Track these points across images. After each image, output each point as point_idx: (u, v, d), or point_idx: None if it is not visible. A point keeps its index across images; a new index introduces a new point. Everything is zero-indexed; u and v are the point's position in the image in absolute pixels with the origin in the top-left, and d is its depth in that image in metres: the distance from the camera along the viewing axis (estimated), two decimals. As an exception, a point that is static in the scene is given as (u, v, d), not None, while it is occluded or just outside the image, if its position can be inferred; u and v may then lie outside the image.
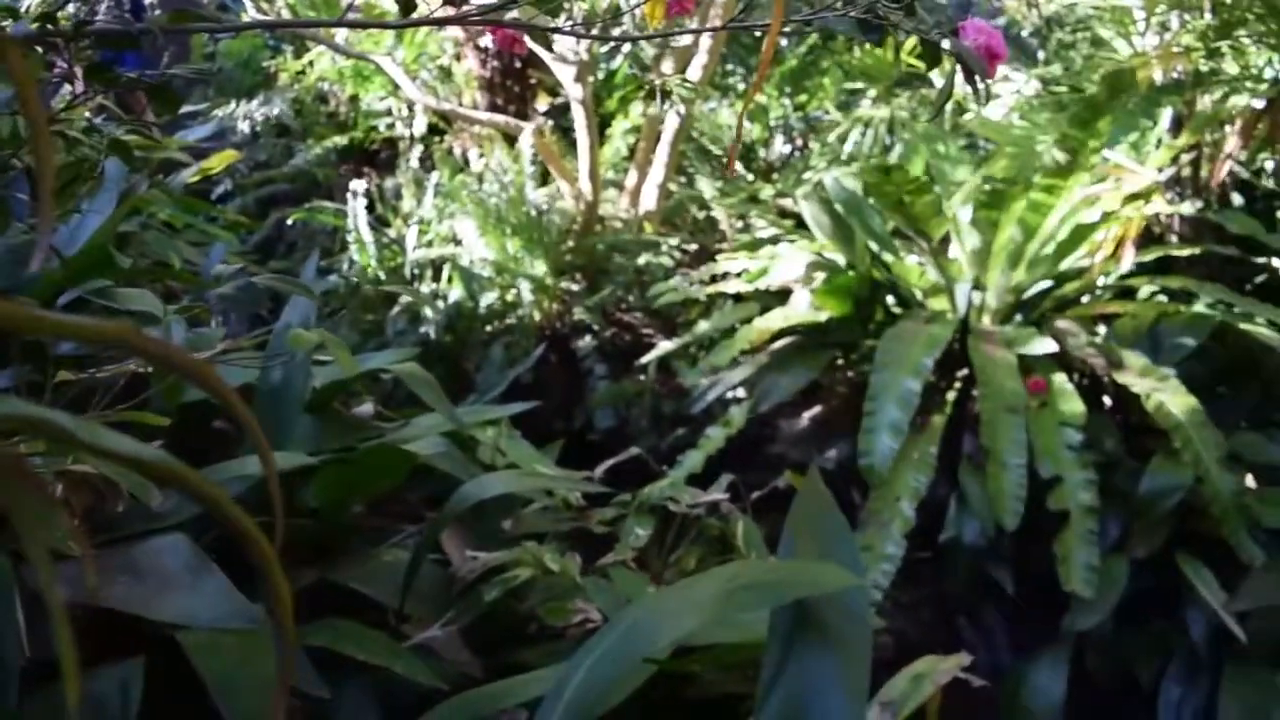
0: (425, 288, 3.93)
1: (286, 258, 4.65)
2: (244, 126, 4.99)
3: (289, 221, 4.47)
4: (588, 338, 3.65)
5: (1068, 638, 2.65)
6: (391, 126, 5.05)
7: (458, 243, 4.08)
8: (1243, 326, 2.93)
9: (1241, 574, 2.63)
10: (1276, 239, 3.33)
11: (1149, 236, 3.49)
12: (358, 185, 4.00)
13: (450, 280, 3.94)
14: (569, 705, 1.08)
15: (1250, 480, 2.74)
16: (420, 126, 4.91)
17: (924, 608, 2.76)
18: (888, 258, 3.25)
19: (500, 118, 4.18)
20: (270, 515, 0.58)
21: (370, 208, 4.47)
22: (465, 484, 1.68)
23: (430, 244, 4.13)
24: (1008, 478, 2.60)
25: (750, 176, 4.52)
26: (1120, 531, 2.72)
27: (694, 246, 3.98)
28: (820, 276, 3.14)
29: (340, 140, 4.90)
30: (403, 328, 3.80)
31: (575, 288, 3.89)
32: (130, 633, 1.20)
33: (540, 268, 3.89)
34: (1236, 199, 3.67)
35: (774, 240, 3.54)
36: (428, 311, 3.75)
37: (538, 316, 3.80)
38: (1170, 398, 2.73)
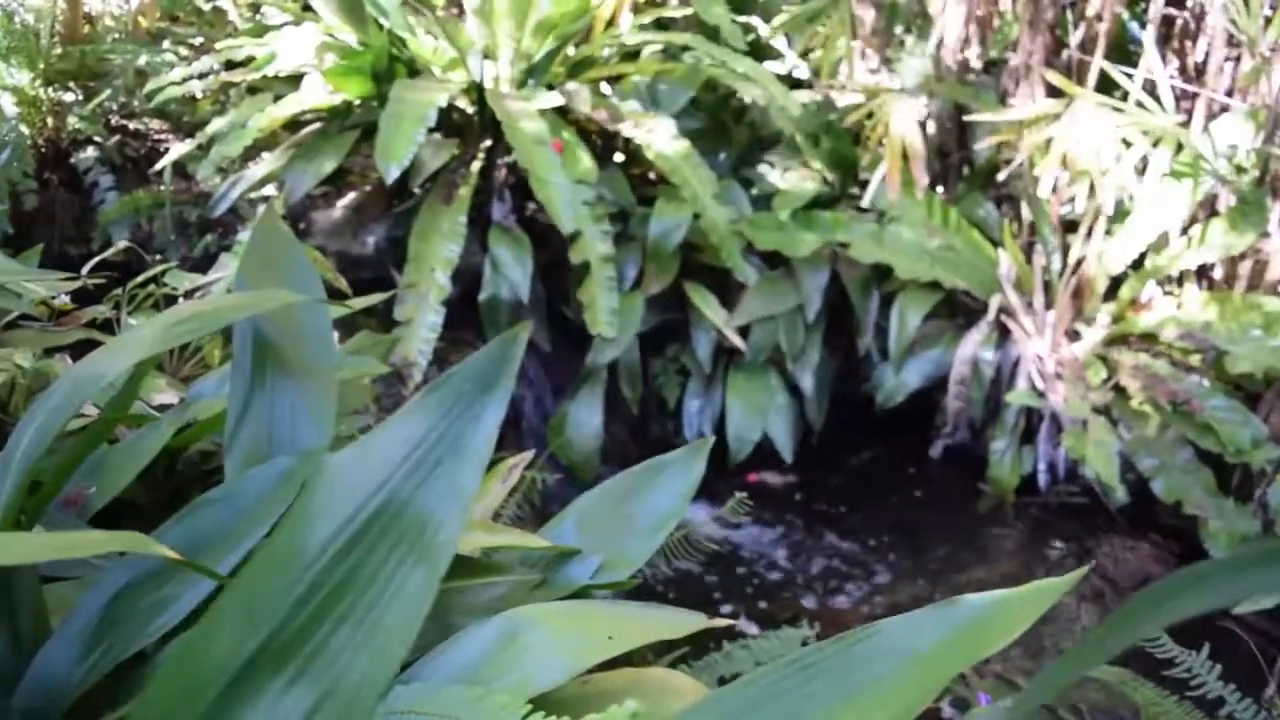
0: None
1: None
2: None
3: None
4: (90, 150, 3.32)
5: (599, 374, 2.91)
6: None
7: (-92, 55, 3.50)
8: (729, 80, 3.20)
9: (740, 294, 2.99)
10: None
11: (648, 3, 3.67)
12: None
13: (-95, 100, 3.39)
14: (16, 471, 1.04)
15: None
16: None
17: (468, 368, 2.89)
18: (402, 34, 3.19)
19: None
20: None
21: None
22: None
23: None
24: (554, 192, 2.73)
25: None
26: (638, 272, 2.97)
27: (200, 40, 3.68)
28: (331, 58, 3.04)
29: None
30: None
31: (70, 97, 3.49)
32: None
33: (23, 77, 3.44)
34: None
35: (283, 26, 3.35)
36: (-124, 139, 3.22)
37: (28, 133, 3.39)
38: (668, 144, 2.96)
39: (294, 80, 3.15)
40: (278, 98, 3.08)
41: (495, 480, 1.40)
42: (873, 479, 3.12)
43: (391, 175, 2.61)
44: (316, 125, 3.13)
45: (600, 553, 1.24)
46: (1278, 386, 2.81)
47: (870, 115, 3.11)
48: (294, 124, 3.14)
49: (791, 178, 3.18)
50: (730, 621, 1.16)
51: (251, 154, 3.14)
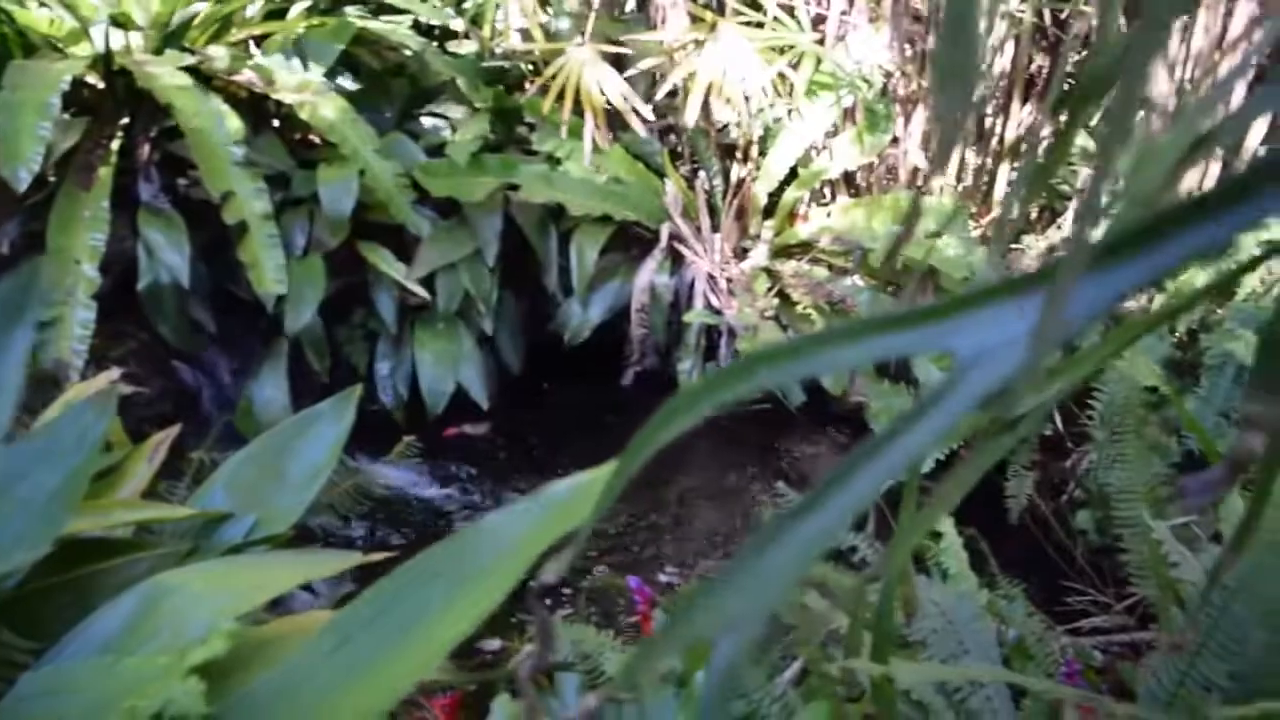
0: None
1: None
2: None
3: None
4: None
5: (280, 350, 2.82)
6: None
7: None
8: (379, 31, 3.15)
9: (416, 247, 2.97)
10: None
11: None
12: None
13: None
14: None
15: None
16: None
17: (133, 360, 2.73)
18: (9, 7, 2.91)
19: None
20: None
21: None
22: None
23: None
24: (201, 122, 2.65)
25: None
26: (306, 238, 2.89)
27: None
28: (-75, 39, 2.74)
29: None
30: None
31: None
32: None
33: None
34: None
35: None
36: None
37: None
38: (323, 104, 2.88)
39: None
40: None
41: (139, 461, 1.34)
42: (570, 415, 3.21)
43: (22, 182, 2.42)
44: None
45: (254, 511, 1.22)
46: (915, 275, 3.10)
47: (538, 69, 3.14)
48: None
49: (458, 127, 3.17)
50: (390, 554, 1.17)
51: None
